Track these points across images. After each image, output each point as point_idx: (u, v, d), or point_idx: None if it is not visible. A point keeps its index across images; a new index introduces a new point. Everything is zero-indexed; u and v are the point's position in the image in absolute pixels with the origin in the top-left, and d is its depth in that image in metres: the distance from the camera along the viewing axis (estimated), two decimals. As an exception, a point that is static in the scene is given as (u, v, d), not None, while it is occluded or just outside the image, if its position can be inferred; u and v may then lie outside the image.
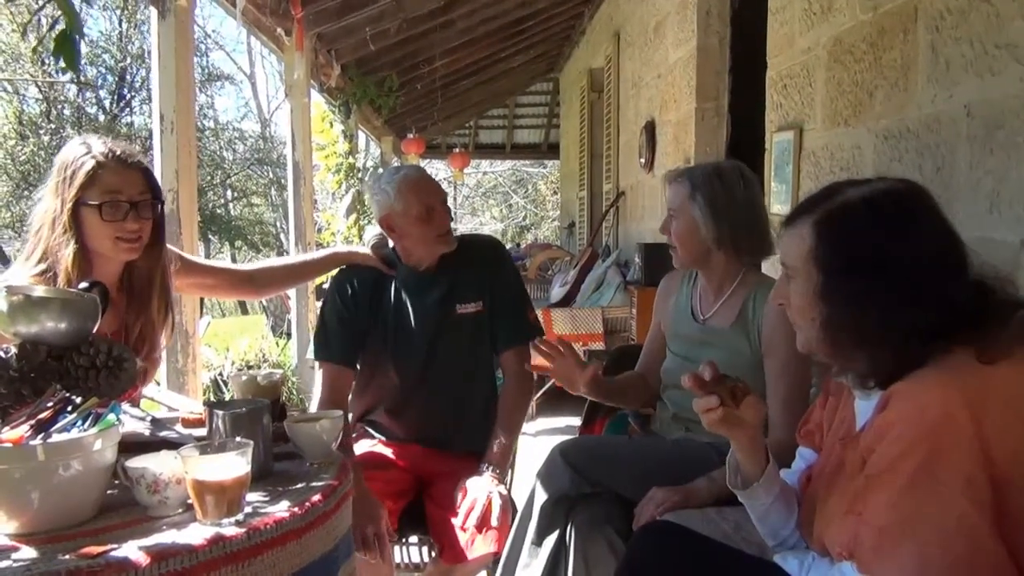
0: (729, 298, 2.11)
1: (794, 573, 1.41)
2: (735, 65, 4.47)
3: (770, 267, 2.37)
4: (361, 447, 2.35)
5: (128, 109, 18.34)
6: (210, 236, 20.08)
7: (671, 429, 2.19)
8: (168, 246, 2.09)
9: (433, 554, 2.20)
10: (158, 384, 2.94)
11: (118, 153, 1.84)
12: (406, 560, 2.42)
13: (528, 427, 4.93)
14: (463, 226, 23.13)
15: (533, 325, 2.41)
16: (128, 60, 17.66)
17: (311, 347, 2.54)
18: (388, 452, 2.35)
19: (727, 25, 4.52)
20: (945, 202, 1.25)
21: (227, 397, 1.74)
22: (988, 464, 1.06)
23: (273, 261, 2.56)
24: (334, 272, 2.46)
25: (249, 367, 6.06)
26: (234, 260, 22.09)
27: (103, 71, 17.83)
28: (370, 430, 2.43)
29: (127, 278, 1.96)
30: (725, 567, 1.53)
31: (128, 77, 17.98)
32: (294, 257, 2.57)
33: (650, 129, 5.75)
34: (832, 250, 1.25)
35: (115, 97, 17.96)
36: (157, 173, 3.15)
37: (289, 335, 7.12)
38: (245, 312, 18.90)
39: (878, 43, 2.50)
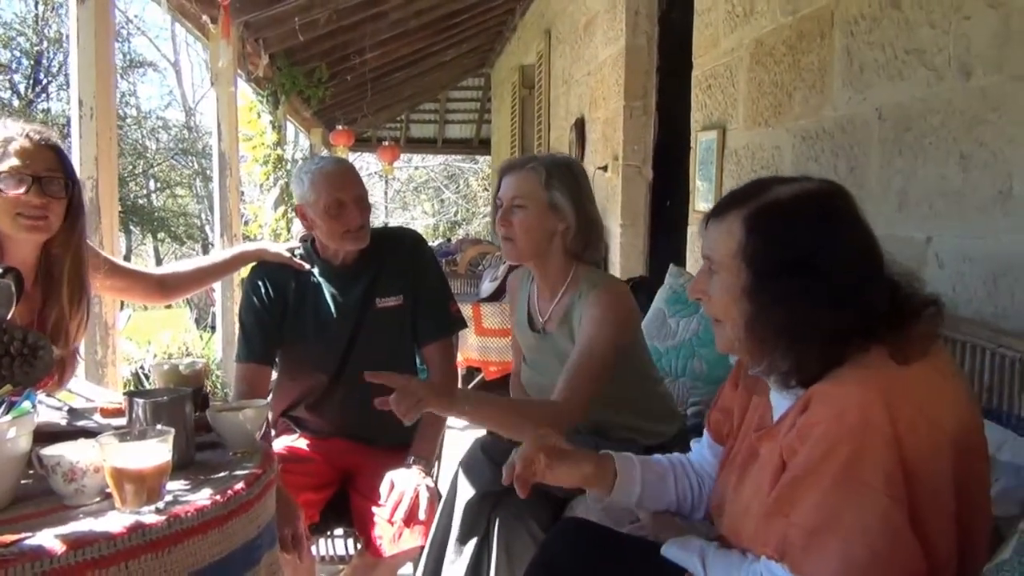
0: (561, 299, 2.10)
1: (682, 562, 1.40)
2: (662, 64, 4.56)
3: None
4: (283, 442, 2.33)
5: (44, 95, 17.72)
6: (131, 227, 19.53)
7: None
8: (98, 251, 2.01)
9: (359, 546, 2.20)
10: (75, 376, 2.86)
11: (30, 131, 1.77)
12: (331, 553, 2.40)
13: (456, 421, 4.93)
14: (394, 220, 22.94)
15: (455, 318, 2.42)
16: (44, 44, 17.07)
17: None
18: (310, 446, 2.33)
19: (655, 25, 4.60)
20: (858, 201, 1.28)
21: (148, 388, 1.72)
22: (903, 461, 1.10)
23: (181, 264, 2.50)
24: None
25: (171, 358, 5.92)
26: (156, 252, 21.54)
27: (18, 54, 17.19)
28: (292, 425, 2.41)
29: (43, 268, 1.87)
30: (638, 561, 1.54)
31: (44, 62, 17.38)
32: (202, 259, 2.52)
33: (580, 126, 5.81)
34: (763, 248, 1.24)
35: (30, 82, 17.33)
36: (76, 160, 3.05)
37: (213, 328, 6.98)
38: (168, 305, 18.43)
39: (797, 46, 2.59)
